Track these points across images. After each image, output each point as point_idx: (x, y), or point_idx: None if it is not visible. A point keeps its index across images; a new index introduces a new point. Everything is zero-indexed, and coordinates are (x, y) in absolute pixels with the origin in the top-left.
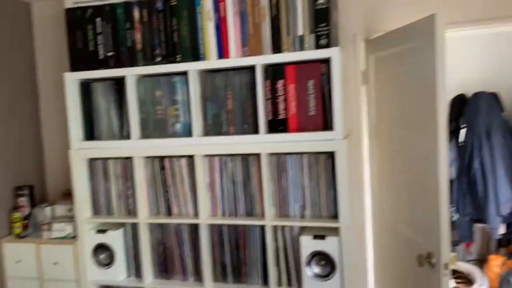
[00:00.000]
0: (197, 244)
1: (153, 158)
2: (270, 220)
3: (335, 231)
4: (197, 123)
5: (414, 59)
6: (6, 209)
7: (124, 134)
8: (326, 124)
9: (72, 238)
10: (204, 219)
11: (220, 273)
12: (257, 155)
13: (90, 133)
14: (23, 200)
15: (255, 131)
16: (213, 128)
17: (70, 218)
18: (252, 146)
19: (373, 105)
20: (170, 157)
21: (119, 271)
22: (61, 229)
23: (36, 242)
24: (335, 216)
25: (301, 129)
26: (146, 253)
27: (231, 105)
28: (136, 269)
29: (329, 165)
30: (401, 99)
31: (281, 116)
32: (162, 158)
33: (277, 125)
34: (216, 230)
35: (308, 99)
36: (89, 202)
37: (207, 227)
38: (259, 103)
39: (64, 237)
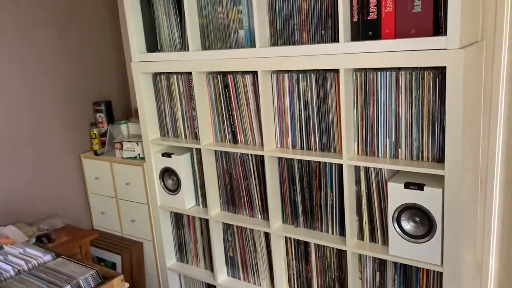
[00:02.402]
0: (264, 178)
1: (215, 74)
2: (349, 158)
3: (439, 179)
4: (262, 30)
5: None
6: (87, 124)
7: (185, 44)
8: (437, 27)
9: (142, 159)
10: (269, 151)
11: (290, 214)
12: (337, 71)
13: (153, 44)
14: (101, 116)
15: (336, 38)
16: (282, 35)
17: (141, 138)
18: (330, 58)
19: None
20: (234, 73)
21: (186, 198)
22: (131, 148)
23: (110, 160)
24: (441, 160)
25: (399, 33)
26: (212, 182)
27: (305, 2)
28: (204, 198)
29: (438, 86)
30: None
31: (372, 16)
32: (225, 74)
33: (365, 29)
34: (285, 164)
35: None
36: (155, 122)
37: (273, 160)
38: None
39: (134, 158)
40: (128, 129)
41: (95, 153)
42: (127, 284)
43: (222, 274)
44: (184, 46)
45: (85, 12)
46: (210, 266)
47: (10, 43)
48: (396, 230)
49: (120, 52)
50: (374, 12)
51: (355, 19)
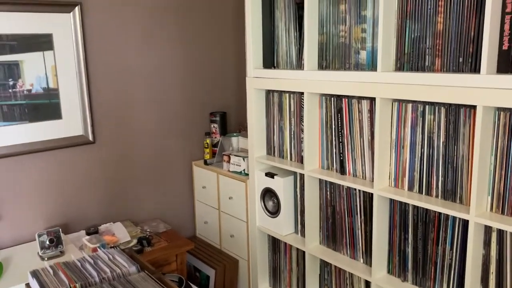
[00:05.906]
0: (372, 218)
1: (329, 96)
2: (479, 215)
3: None
4: (386, 52)
5: None
6: (202, 133)
7: (301, 63)
8: None
9: (246, 175)
10: (380, 189)
11: (398, 265)
12: (474, 108)
13: (271, 60)
14: (215, 127)
15: (477, 68)
16: (410, 59)
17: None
18: (467, 92)
19: None
20: (350, 97)
21: (285, 224)
22: (237, 163)
23: (217, 172)
24: None
25: None
26: (313, 212)
27: (441, 24)
28: (303, 227)
29: None
30: None
31: None
32: (339, 97)
33: None
34: (397, 207)
35: None
36: (263, 140)
37: (384, 201)
38: (487, 19)
39: (239, 173)
40: (238, 142)
41: (205, 162)
42: None
43: None
44: (300, 65)
45: (212, 24)
46: None
47: (145, 51)
48: None
49: (243, 65)
50: None
51: (504, 47)
